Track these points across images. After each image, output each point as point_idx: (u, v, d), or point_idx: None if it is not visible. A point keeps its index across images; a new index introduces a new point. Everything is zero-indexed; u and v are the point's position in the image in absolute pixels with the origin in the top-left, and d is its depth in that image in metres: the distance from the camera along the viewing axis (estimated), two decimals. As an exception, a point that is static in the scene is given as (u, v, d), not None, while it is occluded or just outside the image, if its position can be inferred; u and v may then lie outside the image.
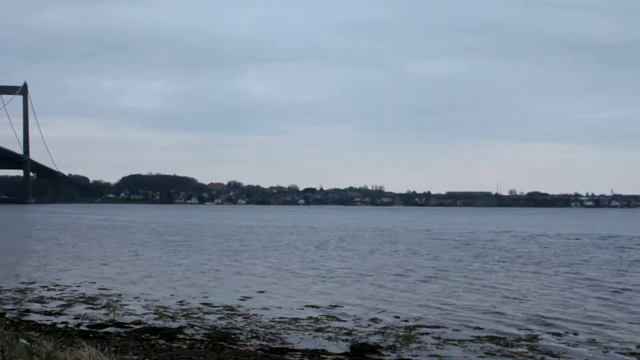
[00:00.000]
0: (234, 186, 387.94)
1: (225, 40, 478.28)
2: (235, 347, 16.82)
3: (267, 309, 22.98)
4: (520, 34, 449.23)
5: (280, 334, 18.72)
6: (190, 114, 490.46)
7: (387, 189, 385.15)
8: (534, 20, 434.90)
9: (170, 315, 21.57)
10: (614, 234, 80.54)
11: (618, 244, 60.85)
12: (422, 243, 60.50)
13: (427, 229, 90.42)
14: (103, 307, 22.90)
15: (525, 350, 16.94)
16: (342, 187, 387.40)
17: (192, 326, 19.69)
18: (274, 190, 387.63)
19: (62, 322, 19.97)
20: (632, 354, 16.71)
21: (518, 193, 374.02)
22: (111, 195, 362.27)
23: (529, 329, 19.62)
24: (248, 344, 17.34)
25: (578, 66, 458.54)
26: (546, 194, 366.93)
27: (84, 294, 26.15)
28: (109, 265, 38.01)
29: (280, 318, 21.13)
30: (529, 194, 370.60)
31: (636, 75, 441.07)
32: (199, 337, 18.10)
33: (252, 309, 22.91)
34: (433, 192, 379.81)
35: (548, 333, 19.07)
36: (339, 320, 20.94)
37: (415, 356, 16.32)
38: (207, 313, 22.01)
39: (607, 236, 74.83)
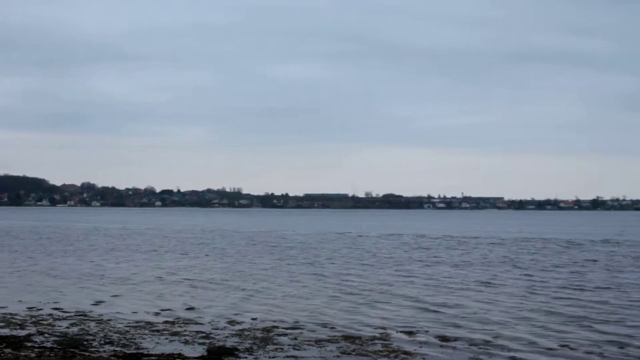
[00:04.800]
0: (88, 187, 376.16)
1: (78, 38, 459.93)
2: (87, 354, 16.32)
3: (121, 313, 22.42)
4: (375, 42, 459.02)
5: (135, 338, 18.31)
6: (42, 113, 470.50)
7: (245, 191, 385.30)
8: (385, 29, 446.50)
9: (19, 322, 20.60)
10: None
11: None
12: (257, 243, 60.97)
13: (265, 231, 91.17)
14: (-57, 316, 21.60)
15: (380, 348, 17.38)
16: (200, 189, 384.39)
17: (42, 333, 18.91)
18: (130, 192, 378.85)
19: None
20: (480, 349, 17.50)
21: (374, 195, 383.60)
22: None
23: (382, 328, 20.13)
24: (101, 350, 16.86)
25: (438, 73, 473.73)
26: (400, 196, 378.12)
27: None
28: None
29: (136, 322, 20.67)
30: (384, 195, 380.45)
31: (489, 84, 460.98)
32: (48, 344, 17.41)
33: (106, 313, 22.29)
34: (291, 194, 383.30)
35: (400, 332, 19.64)
36: (196, 323, 20.71)
37: (273, 357, 16.40)
38: (58, 319, 21.21)
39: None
